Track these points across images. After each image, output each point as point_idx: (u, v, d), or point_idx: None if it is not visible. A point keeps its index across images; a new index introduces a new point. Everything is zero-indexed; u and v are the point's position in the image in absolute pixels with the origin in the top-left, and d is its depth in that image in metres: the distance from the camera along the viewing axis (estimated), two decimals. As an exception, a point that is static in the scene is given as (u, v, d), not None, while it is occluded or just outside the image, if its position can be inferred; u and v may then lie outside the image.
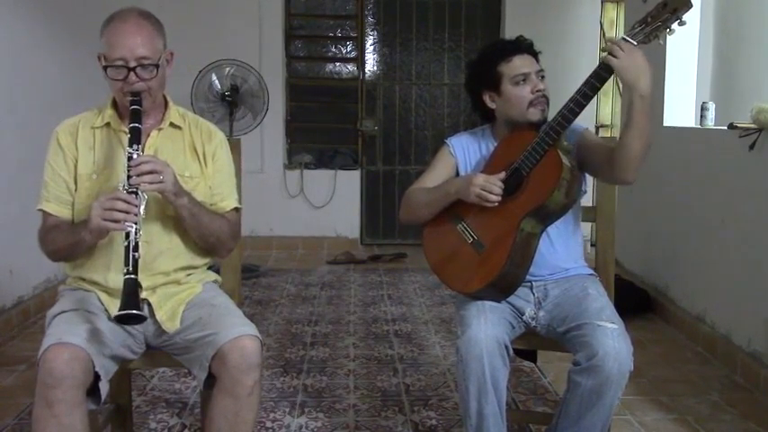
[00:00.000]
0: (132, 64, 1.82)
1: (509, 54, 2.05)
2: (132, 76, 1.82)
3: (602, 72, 1.88)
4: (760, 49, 3.60)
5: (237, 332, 1.76)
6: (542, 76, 2.07)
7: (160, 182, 1.77)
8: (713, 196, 3.44)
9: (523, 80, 2.04)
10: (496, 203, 1.95)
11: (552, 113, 2.01)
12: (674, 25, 1.84)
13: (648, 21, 1.84)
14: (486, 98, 2.11)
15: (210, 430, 1.78)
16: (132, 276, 1.68)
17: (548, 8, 5.68)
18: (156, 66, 1.85)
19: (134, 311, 1.64)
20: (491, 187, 1.95)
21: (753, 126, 3.02)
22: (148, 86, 1.86)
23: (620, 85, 5.05)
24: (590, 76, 1.90)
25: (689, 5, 1.81)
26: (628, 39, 1.85)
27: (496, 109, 2.11)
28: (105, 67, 1.84)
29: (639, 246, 4.32)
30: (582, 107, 1.91)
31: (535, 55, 2.09)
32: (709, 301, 3.47)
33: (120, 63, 1.82)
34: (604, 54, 1.87)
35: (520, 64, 2.05)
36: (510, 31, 5.38)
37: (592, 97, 1.91)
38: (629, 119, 1.89)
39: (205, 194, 1.98)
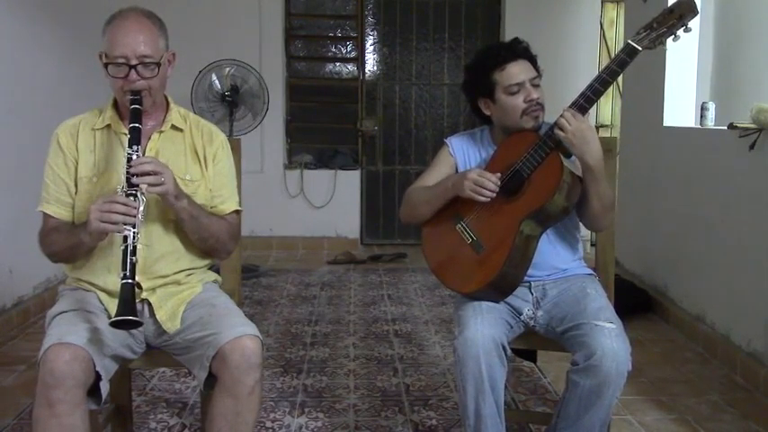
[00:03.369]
0: (134, 62, 1.81)
1: (503, 62, 2.04)
2: (133, 74, 1.82)
3: (609, 76, 1.88)
4: (760, 49, 3.60)
5: (238, 332, 1.76)
6: (537, 84, 2.05)
7: (161, 183, 1.77)
8: (713, 196, 3.44)
9: (517, 90, 2.02)
10: (489, 199, 1.95)
11: (551, 115, 2.01)
12: (680, 32, 1.83)
13: (654, 26, 1.84)
14: (482, 105, 2.11)
15: (211, 430, 1.78)
16: (129, 281, 1.67)
17: (547, 8, 5.68)
18: (158, 64, 1.85)
19: (130, 318, 1.64)
20: (483, 182, 1.95)
21: (753, 126, 3.02)
22: (149, 85, 1.85)
23: (621, 87, 5.05)
24: (593, 80, 1.90)
25: (695, 12, 1.81)
26: (632, 44, 1.85)
27: (492, 115, 2.11)
28: (106, 65, 1.84)
29: (639, 246, 4.32)
30: (585, 111, 1.91)
31: (531, 59, 2.08)
32: (709, 301, 3.47)
33: (121, 61, 1.81)
34: (558, 118, 1.90)
35: (514, 72, 2.03)
36: (510, 32, 5.40)
37: (595, 101, 1.91)
38: (583, 186, 1.97)
39: (206, 197, 1.97)
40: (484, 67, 2.07)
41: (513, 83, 2.02)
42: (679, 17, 1.81)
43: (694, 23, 1.84)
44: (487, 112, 2.11)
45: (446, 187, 2.06)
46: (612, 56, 1.91)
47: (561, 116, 1.90)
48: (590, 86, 1.91)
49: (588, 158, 1.89)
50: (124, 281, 1.67)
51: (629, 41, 1.86)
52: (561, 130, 1.89)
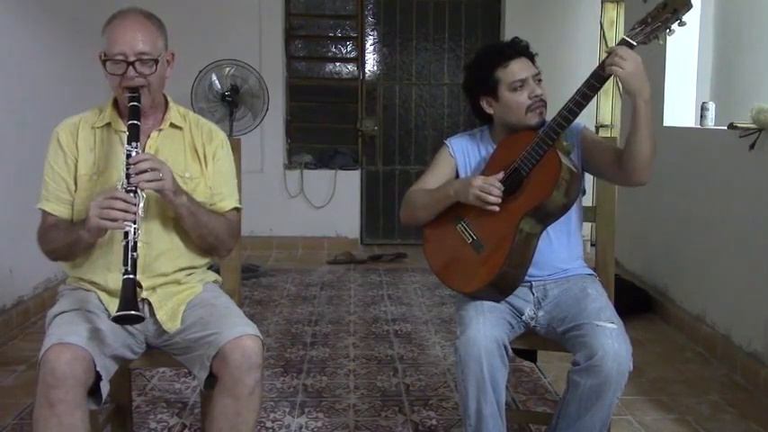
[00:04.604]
0: (132, 59, 1.82)
1: (505, 59, 2.04)
2: (131, 71, 1.83)
3: (602, 72, 1.88)
4: (760, 49, 3.60)
5: (239, 332, 1.76)
6: (539, 80, 2.06)
7: (159, 179, 1.77)
8: (713, 196, 3.45)
9: (521, 86, 2.03)
10: (496, 205, 1.95)
11: (551, 114, 2.01)
12: (674, 26, 1.84)
13: (648, 21, 1.85)
14: (484, 103, 2.11)
15: (211, 430, 1.78)
16: (131, 276, 1.68)
17: (547, 8, 5.68)
18: (155, 61, 1.85)
19: (132, 312, 1.64)
20: (489, 188, 1.95)
21: (753, 126, 3.02)
22: (147, 82, 1.86)
23: (621, 86, 5.05)
24: (589, 77, 1.90)
25: (689, 6, 1.81)
26: (627, 39, 1.85)
27: (494, 114, 2.11)
28: (105, 63, 1.84)
29: (639, 246, 4.32)
30: (581, 107, 1.91)
31: (531, 57, 2.08)
32: (709, 301, 3.47)
33: (119, 57, 1.82)
34: (608, 58, 1.85)
35: (517, 69, 2.03)
36: (510, 32, 5.39)
37: (591, 97, 1.91)
38: (635, 126, 1.88)
39: (205, 195, 1.97)
40: (486, 64, 2.07)
41: (517, 79, 2.03)
42: (673, 11, 1.81)
43: (694, 23, 1.85)
44: (490, 111, 2.11)
45: (448, 195, 2.06)
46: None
47: (614, 53, 1.82)
48: (586, 83, 1.89)
49: (646, 91, 1.84)
50: (125, 276, 1.67)
51: (624, 37, 1.86)
52: (619, 66, 1.81)
